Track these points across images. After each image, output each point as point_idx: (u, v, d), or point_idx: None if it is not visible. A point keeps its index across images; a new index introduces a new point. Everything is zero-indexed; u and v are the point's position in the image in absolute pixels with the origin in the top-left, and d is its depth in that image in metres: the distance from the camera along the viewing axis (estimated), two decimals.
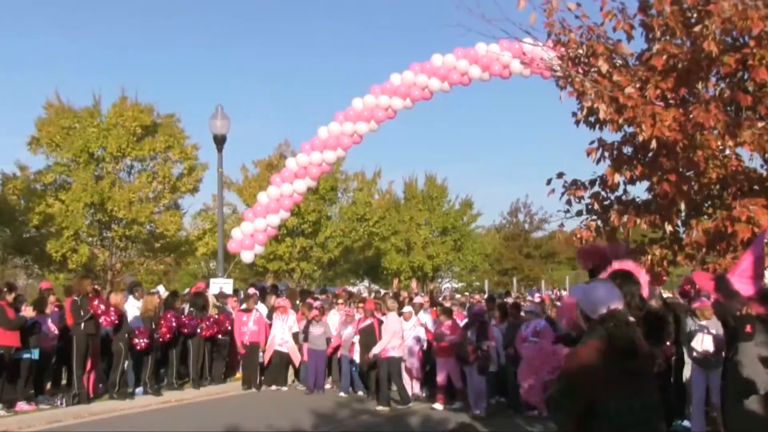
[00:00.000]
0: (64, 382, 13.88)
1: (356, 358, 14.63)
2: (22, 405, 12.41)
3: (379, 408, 13.02)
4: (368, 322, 14.36)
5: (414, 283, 20.07)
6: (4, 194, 23.90)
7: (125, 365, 13.67)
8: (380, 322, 14.03)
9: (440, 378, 13.29)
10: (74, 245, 23.26)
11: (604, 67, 7.74)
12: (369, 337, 14.12)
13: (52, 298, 13.80)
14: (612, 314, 4.10)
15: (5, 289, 12.88)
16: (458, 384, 13.11)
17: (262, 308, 16.30)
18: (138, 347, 13.53)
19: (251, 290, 17.35)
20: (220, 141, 18.09)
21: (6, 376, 12.23)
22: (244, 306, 16.10)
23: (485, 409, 12.35)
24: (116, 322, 13.21)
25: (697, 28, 7.04)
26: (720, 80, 7.66)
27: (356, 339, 14.63)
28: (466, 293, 31.89)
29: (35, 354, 12.75)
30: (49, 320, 13.33)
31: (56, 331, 13.39)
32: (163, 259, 27.41)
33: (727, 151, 7.36)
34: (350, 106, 16.82)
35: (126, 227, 24.37)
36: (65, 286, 17.84)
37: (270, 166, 30.01)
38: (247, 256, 17.46)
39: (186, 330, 14.62)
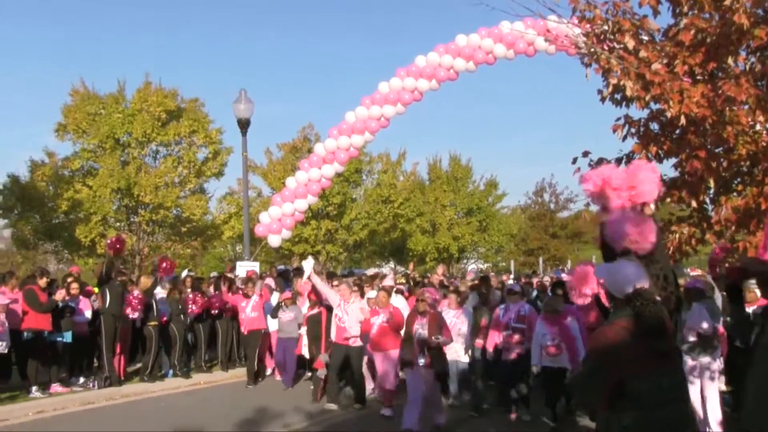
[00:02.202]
0: (95, 364, 14.12)
1: (305, 352, 13.22)
2: (56, 387, 12.64)
3: (329, 406, 11.62)
4: (316, 311, 12.89)
5: (441, 269, 18.41)
6: (33, 181, 24.18)
7: (157, 349, 13.91)
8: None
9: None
10: (102, 230, 23.49)
11: (631, 44, 7.63)
12: (316, 327, 12.74)
13: (74, 285, 13.45)
14: (639, 293, 4.08)
15: (38, 274, 13.10)
16: (388, 385, 10.98)
17: (274, 297, 15.04)
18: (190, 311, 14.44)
19: (250, 273, 16.36)
20: (244, 125, 18.16)
21: (40, 359, 12.46)
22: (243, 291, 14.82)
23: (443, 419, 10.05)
24: (139, 308, 13.41)
25: (726, 1, 6.90)
26: (750, 54, 7.53)
27: (303, 330, 13.25)
28: (492, 274, 31.87)
29: (68, 337, 12.96)
30: (81, 304, 13.53)
31: (88, 316, 13.59)
32: (189, 243, 27.59)
33: (758, 127, 7.24)
34: (376, 90, 16.77)
35: (152, 212, 24.57)
36: (93, 271, 18.07)
37: (294, 149, 30.05)
38: (274, 241, 17.53)
39: (214, 309, 14.79)
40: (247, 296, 14.44)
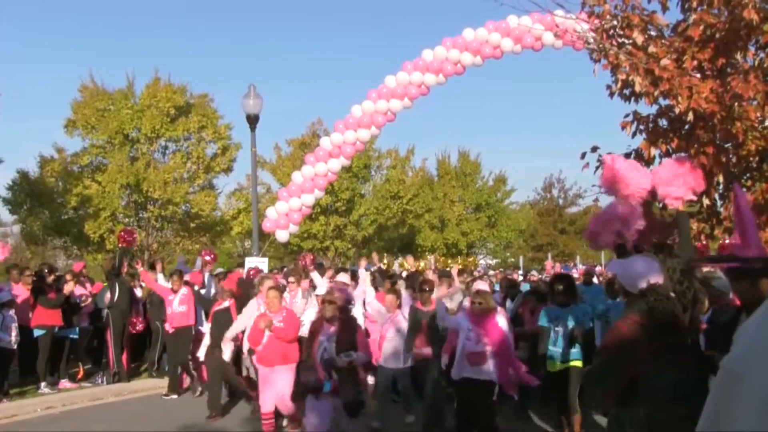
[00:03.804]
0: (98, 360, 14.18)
1: (201, 354, 11.36)
2: (65, 383, 12.69)
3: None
4: (225, 304, 10.98)
5: (411, 259, 17.22)
6: (42, 176, 24.30)
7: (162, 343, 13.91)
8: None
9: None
10: (111, 226, 23.59)
11: (640, 39, 7.59)
12: (222, 325, 10.51)
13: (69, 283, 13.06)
14: (652, 288, 4.07)
15: (46, 271, 13.16)
16: (286, 408, 8.83)
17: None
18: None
19: (181, 262, 15.35)
20: (252, 120, 18.15)
21: (51, 355, 12.53)
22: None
23: None
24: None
25: None
26: (759, 50, 7.48)
27: (207, 328, 11.35)
28: (500, 269, 31.81)
29: (74, 333, 13.05)
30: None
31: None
32: (198, 239, 27.68)
33: (767, 123, 7.21)
34: (383, 84, 16.74)
35: (161, 207, 24.65)
36: (102, 266, 18.14)
37: (303, 145, 30.08)
38: (282, 236, 17.53)
39: None
40: (174, 290, 12.52)
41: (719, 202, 8.26)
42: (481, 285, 9.04)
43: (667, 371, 3.98)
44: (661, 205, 5.47)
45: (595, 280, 17.03)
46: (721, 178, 7.58)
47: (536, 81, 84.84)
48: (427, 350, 9.44)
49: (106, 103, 24.61)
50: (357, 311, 9.83)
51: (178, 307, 12.36)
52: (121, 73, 54.34)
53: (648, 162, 8.30)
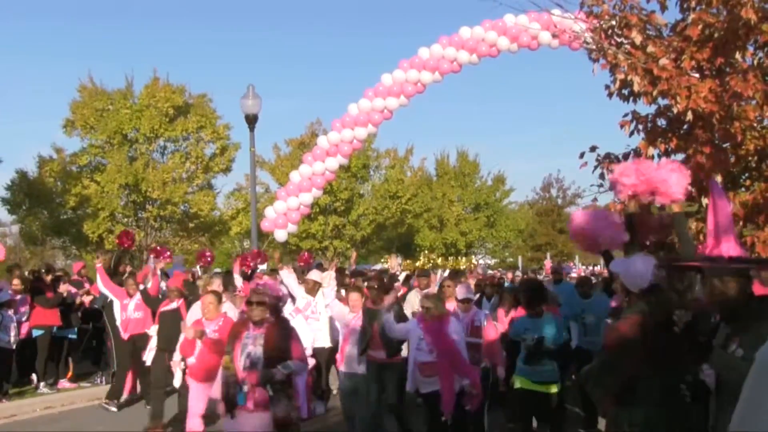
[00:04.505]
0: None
1: (147, 358, 10.36)
2: (63, 383, 12.69)
3: None
4: (173, 305, 10.05)
5: (393, 259, 16.14)
6: (41, 176, 24.28)
7: None
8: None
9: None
10: (110, 226, 23.57)
11: (638, 39, 7.60)
12: (170, 326, 9.49)
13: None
14: (653, 288, 4.06)
15: (44, 270, 13.16)
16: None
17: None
18: None
19: (178, 262, 14.74)
20: (251, 120, 18.14)
21: (49, 355, 12.52)
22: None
23: None
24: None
25: None
26: (758, 49, 7.49)
27: (154, 330, 10.42)
28: (499, 269, 31.86)
29: (72, 333, 13.05)
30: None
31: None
32: (197, 239, 27.67)
33: (765, 122, 7.22)
34: (379, 82, 16.74)
35: (160, 207, 24.62)
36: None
37: (302, 145, 30.07)
38: (280, 235, 17.52)
39: None
40: (129, 294, 11.57)
41: None
42: (462, 288, 8.69)
43: (666, 372, 3.98)
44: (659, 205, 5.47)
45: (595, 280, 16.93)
46: (719, 178, 7.59)
47: (535, 80, 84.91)
48: (381, 354, 8.47)
49: (105, 103, 24.59)
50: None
51: (134, 312, 11.37)
52: (119, 73, 54.24)
53: None
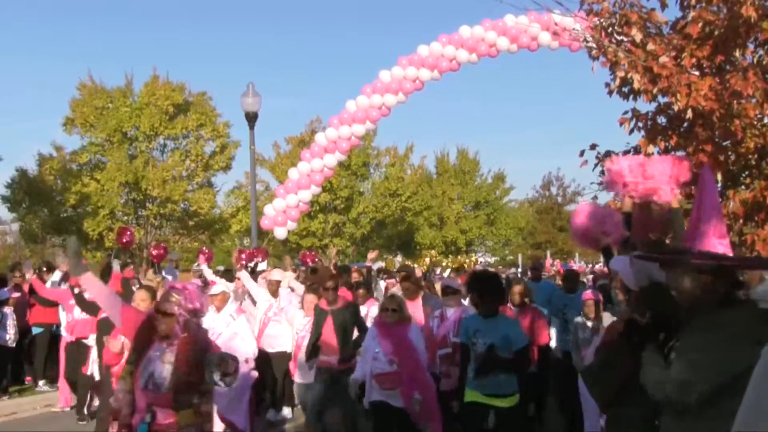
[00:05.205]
0: None
1: (95, 370, 9.25)
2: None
3: None
4: None
5: (372, 253, 13.42)
6: (41, 174, 24.31)
7: None
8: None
9: None
10: (110, 224, 23.62)
11: (638, 36, 7.59)
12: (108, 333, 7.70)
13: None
14: (653, 286, 4.06)
15: (44, 268, 13.14)
16: None
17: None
18: None
19: (173, 259, 13.65)
20: (251, 118, 18.14)
21: (48, 353, 12.51)
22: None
23: None
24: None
25: None
26: (758, 47, 7.48)
27: (93, 340, 9.32)
28: (500, 267, 31.84)
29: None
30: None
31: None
32: (197, 237, 27.70)
33: (766, 120, 7.20)
34: (377, 79, 16.75)
35: (160, 205, 24.68)
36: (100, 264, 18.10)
37: (302, 143, 30.08)
38: (279, 233, 17.53)
39: None
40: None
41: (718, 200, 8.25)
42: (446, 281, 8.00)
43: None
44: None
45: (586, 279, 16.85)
46: (719, 176, 7.59)
47: (535, 78, 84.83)
48: (334, 359, 7.76)
49: (105, 101, 24.64)
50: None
51: (80, 314, 10.20)
52: (119, 71, 54.11)
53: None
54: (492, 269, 27.39)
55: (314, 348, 7.82)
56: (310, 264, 13.35)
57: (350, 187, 30.15)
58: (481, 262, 32.81)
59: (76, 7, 74.82)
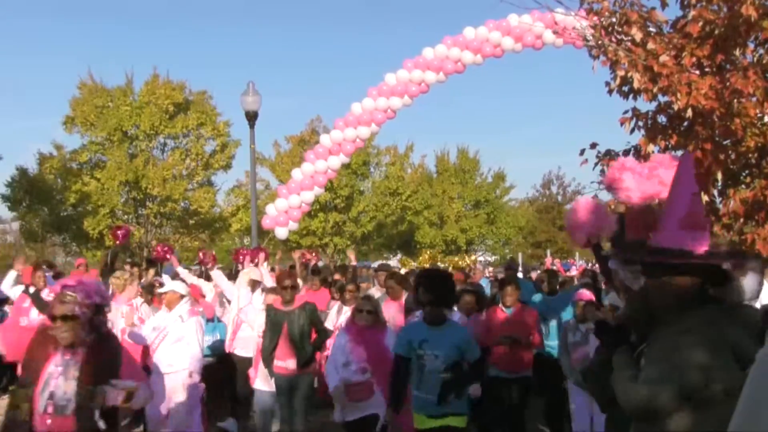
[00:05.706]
0: None
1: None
2: None
3: None
4: None
5: (351, 252, 13.52)
6: (41, 173, 24.32)
7: None
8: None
9: None
10: (110, 223, 23.61)
11: (638, 36, 7.60)
12: None
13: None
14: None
15: (44, 267, 13.12)
16: None
17: None
18: None
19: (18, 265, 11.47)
20: (251, 117, 18.15)
21: None
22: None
23: None
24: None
25: None
26: (758, 46, 7.49)
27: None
28: (500, 266, 31.82)
29: None
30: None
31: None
32: (197, 236, 27.71)
33: (766, 119, 7.21)
34: (383, 82, 16.74)
35: (160, 204, 24.70)
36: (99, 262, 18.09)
37: (302, 142, 30.11)
38: (281, 233, 17.54)
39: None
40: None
41: (718, 199, 8.26)
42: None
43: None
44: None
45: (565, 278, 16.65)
46: (719, 175, 7.60)
47: (535, 78, 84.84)
48: (292, 363, 7.30)
49: (105, 100, 24.64)
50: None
51: (39, 315, 9.23)
52: (119, 70, 54.18)
53: (646, 158, 8.31)
54: (491, 268, 27.44)
55: (272, 353, 7.27)
56: (312, 263, 13.41)
57: (350, 186, 30.15)
58: (481, 261, 32.84)
59: (76, 6, 74.90)
